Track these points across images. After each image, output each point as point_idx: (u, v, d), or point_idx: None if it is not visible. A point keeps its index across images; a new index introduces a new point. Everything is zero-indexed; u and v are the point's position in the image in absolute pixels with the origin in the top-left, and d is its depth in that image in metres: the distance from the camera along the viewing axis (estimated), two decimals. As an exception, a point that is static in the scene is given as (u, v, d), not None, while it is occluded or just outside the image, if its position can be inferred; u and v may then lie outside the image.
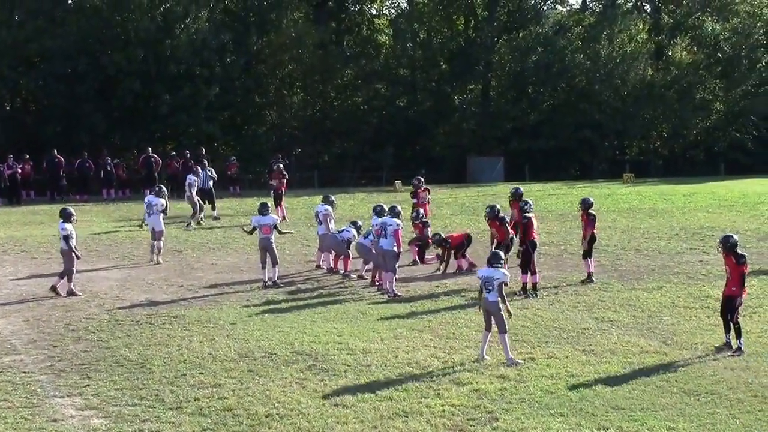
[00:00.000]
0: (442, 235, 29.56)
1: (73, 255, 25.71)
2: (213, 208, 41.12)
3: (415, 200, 35.08)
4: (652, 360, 19.02)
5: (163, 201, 31.68)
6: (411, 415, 15.93)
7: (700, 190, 51.31)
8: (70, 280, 25.78)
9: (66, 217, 25.97)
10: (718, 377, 17.80)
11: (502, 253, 20.07)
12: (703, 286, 25.86)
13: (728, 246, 19.74)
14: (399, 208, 27.22)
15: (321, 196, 31.02)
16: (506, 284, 19.30)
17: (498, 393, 16.97)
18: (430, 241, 30.56)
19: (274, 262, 26.97)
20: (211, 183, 41.04)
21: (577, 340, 20.62)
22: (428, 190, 36.05)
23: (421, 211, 31.50)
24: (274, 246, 27.03)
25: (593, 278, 26.92)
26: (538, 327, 21.83)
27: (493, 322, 18.99)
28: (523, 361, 18.80)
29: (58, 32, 59.63)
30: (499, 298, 18.88)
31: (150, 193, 32.80)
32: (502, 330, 18.87)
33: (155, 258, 30.87)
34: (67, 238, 25.61)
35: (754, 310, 23.16)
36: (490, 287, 18.92)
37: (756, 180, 57.50)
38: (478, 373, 18.10)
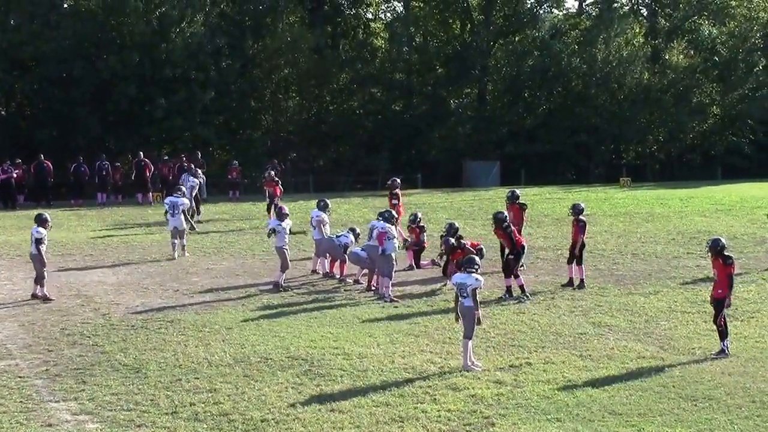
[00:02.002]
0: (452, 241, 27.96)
1: (43, 259, 25.56)
2: (198, 213, 40.76)
3: (395, 201, 34.75)
4: (649, 365, 18.97)
5: (186, 201, 34.10)
6: (407, 420, 15.88)
7: (697, 195, 51.27)
8: (42, 285, 25.64)
9: (41, 222, 25.82)
10: (716, 382, 17.75)
11: (477, 258, 19.95)
12: (700, 290, 25.77)
13: (717, 250, 19.83)
14: (394, 212, 27.41)
15: (316, 201, 30.90)
16: (480, 289, 19.21)
17: (494, 398, 16.92)
18: (426, 244, 30.49)
19: (281, 267, 27.02)
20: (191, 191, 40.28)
21: (573, 345, 20.57)
22: None
23: (419, 214, 31.27)
24: (283, 250, 26.95)
25: (574, 284, 26.76)
26: (535, 332, 21.78)
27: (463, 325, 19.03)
28: (480, 367, 18.77)
29: (53, 36, 59.45)
30: (473, 304, 18.86)
31: (175, 194, 33.91)
32: (467, 335, 18.85)
33: (179, 253, 32.43)
34: (38, 242, 25.45)
35: (751, 315, 23.14)
36: (465, 294, 18.93)
37: (753, 184, 57.44)
38: (474, 379, 18.04)
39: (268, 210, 39.96)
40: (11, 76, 60.35)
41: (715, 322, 19.88)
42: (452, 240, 27.07)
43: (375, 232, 26.04)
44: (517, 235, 26.34)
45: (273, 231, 27.20)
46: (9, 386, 17.84)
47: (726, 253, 19.92)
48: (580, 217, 26.99)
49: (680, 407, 16.46)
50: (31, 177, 51.37)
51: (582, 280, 26.77)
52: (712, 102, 74.49)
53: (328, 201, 30.20)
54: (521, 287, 25.33)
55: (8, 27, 60.47)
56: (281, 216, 27.45)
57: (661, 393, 17.19)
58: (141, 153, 52.47)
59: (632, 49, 73.31)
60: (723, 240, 20.24)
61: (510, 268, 25.58)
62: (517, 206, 30.27)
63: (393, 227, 26.59)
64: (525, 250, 26.33)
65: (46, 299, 25.36)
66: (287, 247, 27.18)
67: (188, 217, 36.84)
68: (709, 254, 20.30)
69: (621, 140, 74.22)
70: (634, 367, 18.81)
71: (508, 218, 26.43)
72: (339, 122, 71.83)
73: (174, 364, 19.25)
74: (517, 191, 31.38)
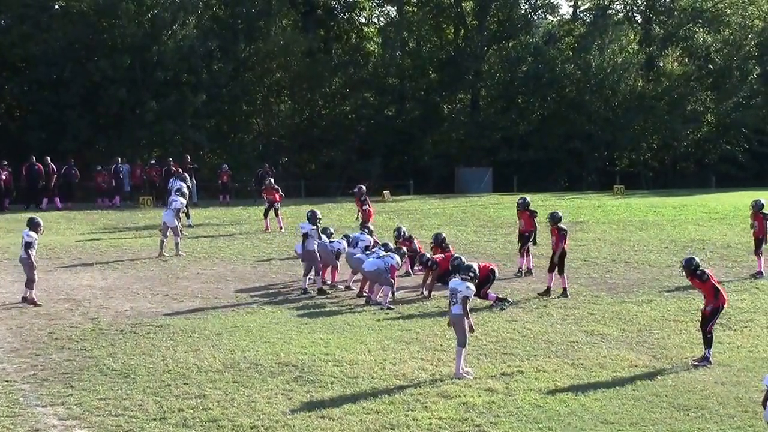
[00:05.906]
0: (429, 255, 27.85)
1: (32, 263, 25.33)
2: (188, 217, 40.47)
3: (365, 206, 35.43)
4: (642, 374, 18.86)
5: (182, 200, 34.44)
6: (398, 428, 15.75)
7: (691, 203, 51.26)
8: (31, 288, 25.45)
9: (33, 226, 25.58)
10: (708, 392, 17.64)
11: (475, 266, 19.78)
12: (693, 299, 25.59)
13: (690, 270, 19.77)
14: (404, 249, 27.75)
15: (307, 206, 30.65)
16: (470, 299, 19.06)
17: (486, 406, 16.79)
18: (421, 249, 30.20)
19: (315, 271, 27.03)
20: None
21: (566, 354, 20.44)
22: None
23: (403, 228, 30.59)
24: (316, 254, 26.85)
25: (551, 293, 26.59)
26: (527, 340, 21.66)
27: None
28: (471, 374, 18.66)
29: (44, 38, 59.32)
30: (463, 312, 18.72)
31: (176, 194, 34.86)
32: (460, 343, 18.75)
33: (171, 251, 33.27)
34: (28, 245, 25.21)
35: (745, 324, 23.03)
36: (455, 300, 18.84)
37: (747, 193, 57.22)
38: (465, 386, 17.91)
39: (265, 215, 39.91)
40: (0, 78, 60.16)
41: (702, 328, 19.78)
42: (427, 255, 27.50)
43: (390, 261, 25.72)
44: (482, 265, 25.92)
45: (306, 235, 27.00)
46: (-5, 391, 17.70)
47: (699, 271, 19.79)
48: (560, 225, 26.92)
49: (672, 417, 16.36)
50: (23, 179, 51.06)
51: (565, 289, 26.60)
52: (707, 110, 74.64)
53: (317, 212, 29.11)
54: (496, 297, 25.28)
55: (-2, 28, 60.45)
56: (313, 220, 27.22)
57: (653, 402, 17.09)
58: (48, 158, 51.16)
59: (626, 56, 73.46)
60: (696, 259, 20.14)
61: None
62: (527, 213, 30.42)
63: (400, 258, 26.60)
64: (495, 274, 25.84)
65: (34, 304, 25.15)
66: (318, 251, 27.08)
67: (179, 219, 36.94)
68: (684, 274, 20.24)
69: (614, 147, 74.37)
70: (627, 376, 18.69)
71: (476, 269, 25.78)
72: (331, 127, 71.86)
73: (163, 369, 19.09)
74: (528, 198, 31.50)
